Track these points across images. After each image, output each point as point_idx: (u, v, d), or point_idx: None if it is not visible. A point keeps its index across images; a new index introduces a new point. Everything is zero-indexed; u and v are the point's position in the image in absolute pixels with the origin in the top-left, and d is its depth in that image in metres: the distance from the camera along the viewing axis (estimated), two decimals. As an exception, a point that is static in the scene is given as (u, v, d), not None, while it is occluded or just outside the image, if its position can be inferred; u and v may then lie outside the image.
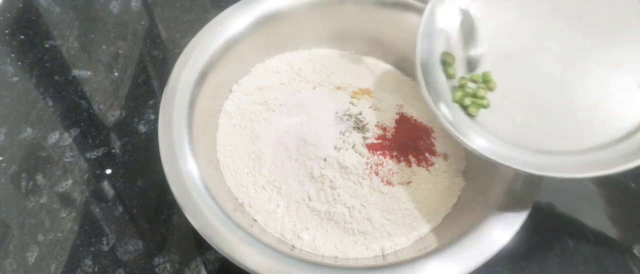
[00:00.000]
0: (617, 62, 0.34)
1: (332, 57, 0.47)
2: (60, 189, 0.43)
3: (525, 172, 0.32)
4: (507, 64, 0.37)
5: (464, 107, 0.36)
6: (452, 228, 0.36)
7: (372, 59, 0.48)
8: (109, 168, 0.45)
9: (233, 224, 0.32)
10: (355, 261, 0.35)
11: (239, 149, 0.41)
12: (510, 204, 0.34)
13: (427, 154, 0.40)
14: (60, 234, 0.41)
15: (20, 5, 0.57)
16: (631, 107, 0.33)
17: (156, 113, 0.47)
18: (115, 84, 0.51)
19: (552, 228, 0.42)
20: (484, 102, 0.36)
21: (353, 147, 0.39)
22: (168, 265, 0.39)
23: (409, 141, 0.40)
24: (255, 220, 0.37)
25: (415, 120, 0.42)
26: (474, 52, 0.37)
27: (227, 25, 0.42)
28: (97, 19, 0.56)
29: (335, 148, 0.39)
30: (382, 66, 0.48)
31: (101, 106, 0.49)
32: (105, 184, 0.44)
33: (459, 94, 0.36)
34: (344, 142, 0.39)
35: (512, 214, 0.33)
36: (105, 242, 0.40)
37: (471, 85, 0.37)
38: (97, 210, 0.42)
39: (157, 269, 0.39)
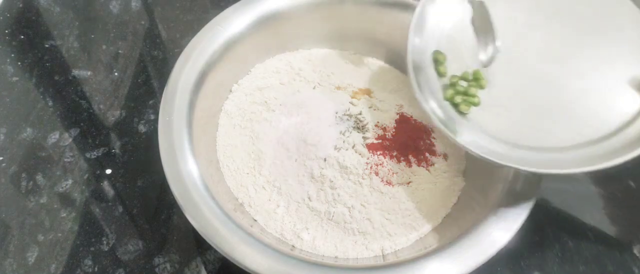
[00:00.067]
0: (607, 59, 0.35)
1: (332, 57, 0.47)
2: (60, 189, 0.43)
3: (516, 168, 0.32)
4: (497, 62, 0.37)
5: (455, 105, 0.36)
6: (452, 228, 0.36)
7: (372, 59, 0.48)
8: (109, 168, 0.45)
9: (233, 224, 0.32)
10: (355, 261, 0.35)
11: (239, 149, 0.41)
12: (510, 204, 0.34)
13: (427, 154, 0.40)
14: (60, 234, 0.41)
15: (20, 5, 0.57)
16: (621, 102, 0.33)
17: (156, 113, 0.47)
18: (115, 84, 0.51)
19: (552, 228, 0.42)
20: (475, 100, 0.36)
21: (353, 147, 0.39)
22: (168, 265, 0.39)
23: (409, 141, 0.40)
24: (255, 220, 0.37)
25: (415, 120, 0.42)
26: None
27: (227, 25, 0.42)
28: (97, 19, 0.56)
29: (335, 148, 0.39)
30: (382, 66, 0.48)
31: (101, 106, 0.49)
32: (105, 184, 0.44)
33: (449, 92, 0.36)
34: (344, 142, 0.39)
35: (512, 214, 0.33)
36: (105, 242, 0.40)
37: (462, 83, 0.37)
38: (97, 210, 0.42)
39: (157, 269, 0.39)
